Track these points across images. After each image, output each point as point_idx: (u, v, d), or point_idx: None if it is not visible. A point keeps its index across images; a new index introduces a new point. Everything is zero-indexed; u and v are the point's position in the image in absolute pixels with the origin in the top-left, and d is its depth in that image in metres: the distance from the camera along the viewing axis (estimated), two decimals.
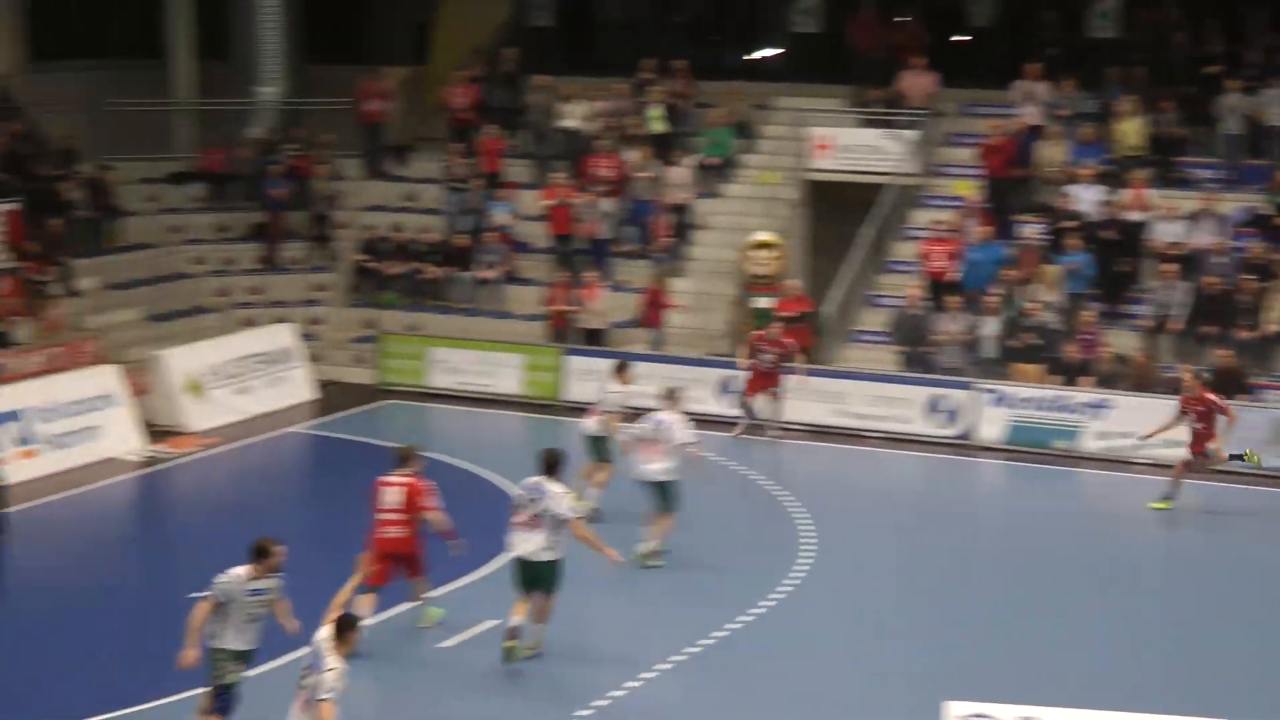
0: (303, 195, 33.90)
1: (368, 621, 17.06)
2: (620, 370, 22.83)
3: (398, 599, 18.87)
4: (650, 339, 29.93)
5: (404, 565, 18.22)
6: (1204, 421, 23.27)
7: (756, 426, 27.29)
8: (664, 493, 20.71)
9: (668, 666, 17.71)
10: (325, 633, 13.22)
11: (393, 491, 17.93)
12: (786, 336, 27.39)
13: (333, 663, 13.01)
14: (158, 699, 16.12)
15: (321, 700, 12.87)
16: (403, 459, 18.23)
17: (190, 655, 14.49)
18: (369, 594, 17.64)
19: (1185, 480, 23.45)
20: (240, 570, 14.83)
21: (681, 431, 20.62)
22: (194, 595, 14.84)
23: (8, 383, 26.13)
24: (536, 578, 17.26)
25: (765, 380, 27.26)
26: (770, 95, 34.10)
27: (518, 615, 17.31)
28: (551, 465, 17.47)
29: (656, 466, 20.62)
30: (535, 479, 17.36)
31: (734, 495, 24.16)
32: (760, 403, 27.37)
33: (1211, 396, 23.34)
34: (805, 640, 18.93)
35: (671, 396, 21.13)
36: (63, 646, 18.22)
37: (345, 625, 13.28)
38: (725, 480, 24.86)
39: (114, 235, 32.30)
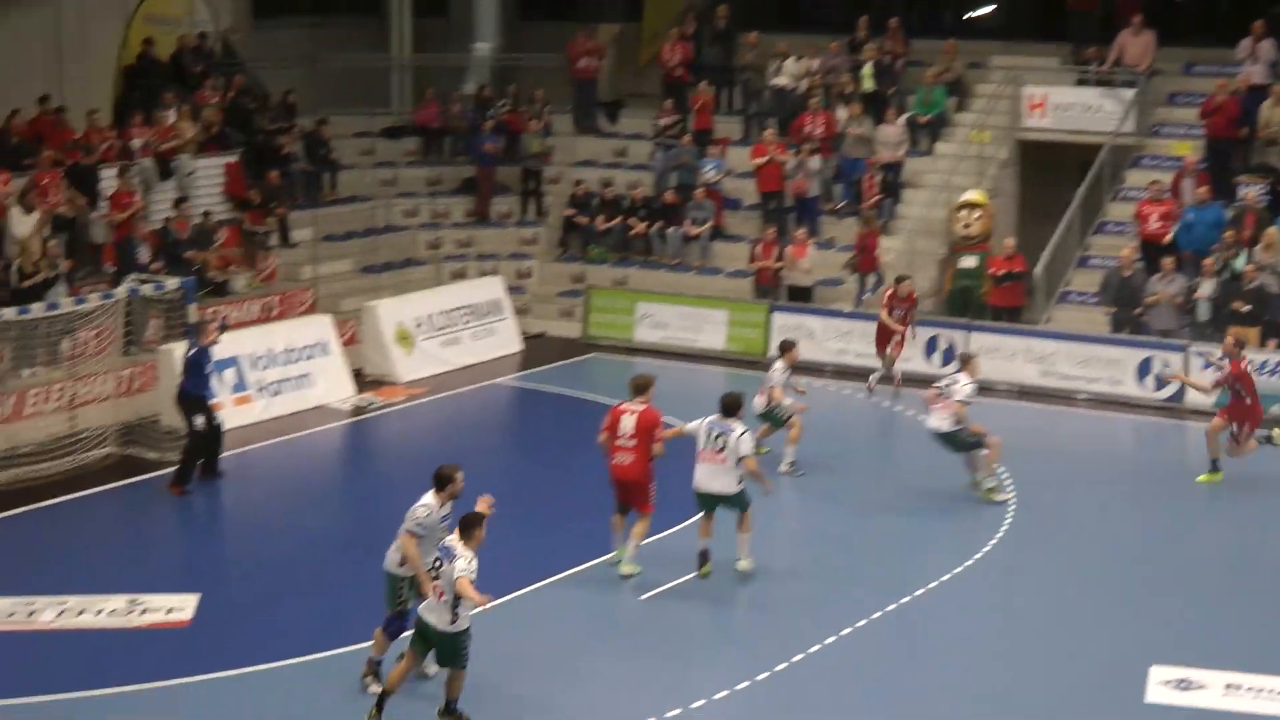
0: (514, 150, 34.22)
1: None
2: (785, 350, 23.19)
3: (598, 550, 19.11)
4: (864, 285, 29.80)
5: (632, 495, 18.65)
6: (1236, 393, 22.61)
7: (887, 378, 27.17)
8: (953, 442, 21.63)
9: (878, 615, 17.80)
10: (454, 535, 14.56)
11: (628, 419, 18.52)
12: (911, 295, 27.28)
13: (462, 552, 14.41)
14: (356, 643, 16.43)
15: (459, 577, 14.30)
16: (639, 388, 18.82)
17: (428, 587, 14.92)
18: (618, 515, 18.80)
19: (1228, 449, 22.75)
20: (431, 500, 15.47)
21: (963, 389, 21.47)
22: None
23: (225, 330, 26.78)
24: (729, 506, 18.63)
25: (891, 334, 27.13)
26: (985, 53, 33.63)
27: (704, 538, 18.67)
28: (733, 407, 18.61)
29: (943, 419, 21.55)
30: (719, 418, 18.49)
31: (934, 451, 23.93)
32: (889, 356, 27.27)
33: (1238, 368, 22.59)
34: (1006, 598, 18.79)
35: (967, 360, 22.12)
36: (270, 589, 18.70)
37: (470, 522, 14.64)
38: (922, 438, 24.70)
39: (330, 188, 32.92)
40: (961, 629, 17.85)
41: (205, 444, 22.25)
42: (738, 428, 18.46)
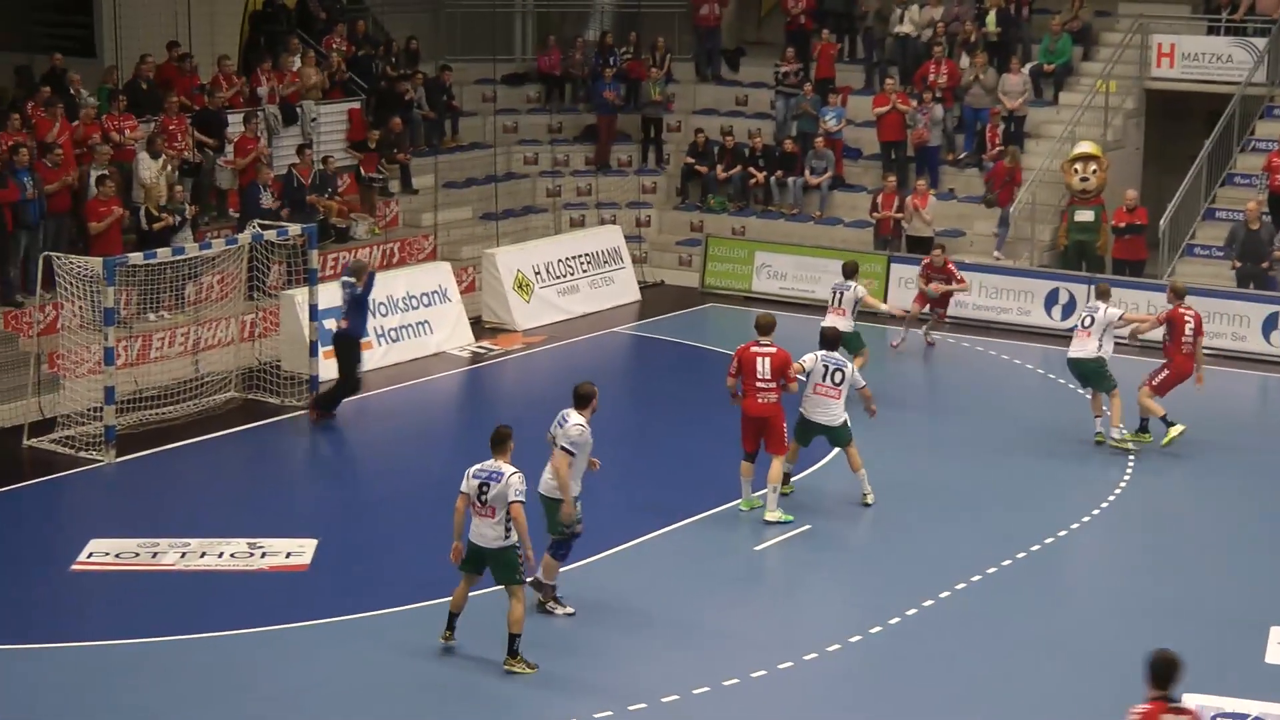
0: (634, 98, 34.19)
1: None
2: (850, 273, 24.11)
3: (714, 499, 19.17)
4: (1000, 218, 29.66)
5: (770, 435, 18.91)
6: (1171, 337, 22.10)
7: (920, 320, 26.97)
8: (1093, 371, 21.89)
9: (993, 570, 17.76)
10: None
11: (762, 360, 18.83)
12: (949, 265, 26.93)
13: (576, 419, 16.22)
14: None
15: (561, 449, 16.06)
16: (765, 328, 19.17)
17: (567, 509, 16.06)
18: (747, 463, 19.01)
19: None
20: (582, 419, 16.32)
21: (1105, 315, 21.90)
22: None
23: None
24: (835, 438, 19.41)
25: (932, 303, 26.82)
26: (1113, 1, 33.13)
27: (791, 462, 19.49)
28: (835, 340, 19.69)
29: (1086, 349, 21.82)
30: (827, 353, 19.23)
31: (1054, 404, 23.77)
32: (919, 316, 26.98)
33: (1172, 314, 22.05)
34: (1124, 554, 18.66)
35: (1105, 291, 22.58)
36: (388, 534, 18.91)
37: (584, 394, 16.56)
38: (1048, 390, 24.55)
39: (451, 135, 33.06)
40: (1075, 584, 17.76)
41: (351, 386, 22.70)
42: (847, 360, 19.64)
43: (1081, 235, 28.98)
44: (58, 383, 22.53)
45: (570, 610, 16.54)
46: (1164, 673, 11.08)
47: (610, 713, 14.54)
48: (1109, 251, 28.69)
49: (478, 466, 15.33)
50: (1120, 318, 22.12)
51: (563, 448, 16.22)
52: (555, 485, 16.25)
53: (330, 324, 23.55)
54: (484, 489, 15.19)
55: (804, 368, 19.16)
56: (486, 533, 15.24)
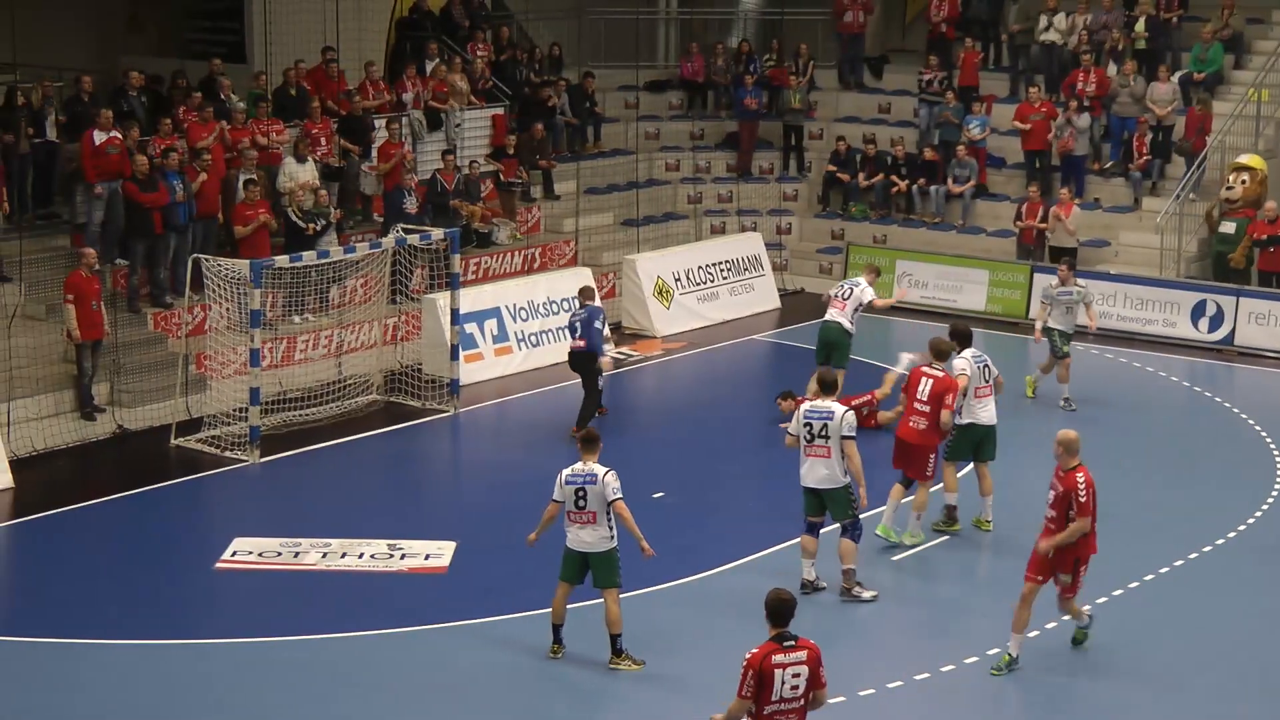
0: (776, 105, 34.13)
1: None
2: (870, 273, 24.26)
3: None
4: (1195, 161, 29.66)
5: (913, 461, 18.53)
6: None
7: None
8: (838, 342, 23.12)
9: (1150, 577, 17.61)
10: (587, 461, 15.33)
11: (926, 383, 18.54)
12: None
13: (840, 407, 16.72)
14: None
15: (845, 437, 16.52)
16: (941, 354, 18.67)
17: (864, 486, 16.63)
18: (900, 485, 18.73)
19: None
20: (839, 405, 16.76)
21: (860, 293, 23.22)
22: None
23: (488, 281, 27.27)
24: (988, 443, 19.07)
25: None
26: (1266, 8, 32.58)
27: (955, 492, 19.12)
28: (968, 337, 19.38)
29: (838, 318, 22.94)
30: (976, 352, 19.12)
31: (1198, 417, 23.45)
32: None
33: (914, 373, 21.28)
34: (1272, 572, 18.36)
35: (873, 268, 24.57)
36: (525, 538, 18.99)
37: (830, 380, 17.06)
38: (1193, 403, 24.25)
39: (594, 141, 33.19)
40: (1222, 600, 17.46)
41: (595, 401, 22.63)
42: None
43: (1222, 247, 28.55)
44: (205, 383, 22.89)
45: (873, 594, 16.86)
46: (778, 611, 11.55)
47: None
48: (1253, 264, 28.16)
49: (569, 472, 15.32)
50: (870, 302, 23.32)
51: (846, 436, 16.49)
52: (828, 476, 16.59)
53: (577, 341, 23.05)
54: (581, 494, 15.22)
55: (964, 383, 18.66)
56: (587, 538, 15.29)
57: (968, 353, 18.99)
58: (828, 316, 23.43)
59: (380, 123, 28.34)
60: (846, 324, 23.21)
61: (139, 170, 23.75)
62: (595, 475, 15.22)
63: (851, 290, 23.49)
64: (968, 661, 15.68)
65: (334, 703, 14.87)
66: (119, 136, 23.97)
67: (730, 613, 16.71)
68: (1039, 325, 23.82)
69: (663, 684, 15.21)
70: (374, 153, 28.01)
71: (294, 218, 25.04)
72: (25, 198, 24.44)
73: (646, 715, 14.80)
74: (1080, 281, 24.11)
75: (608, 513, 15.19)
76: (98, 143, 23.76)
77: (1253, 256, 28.18)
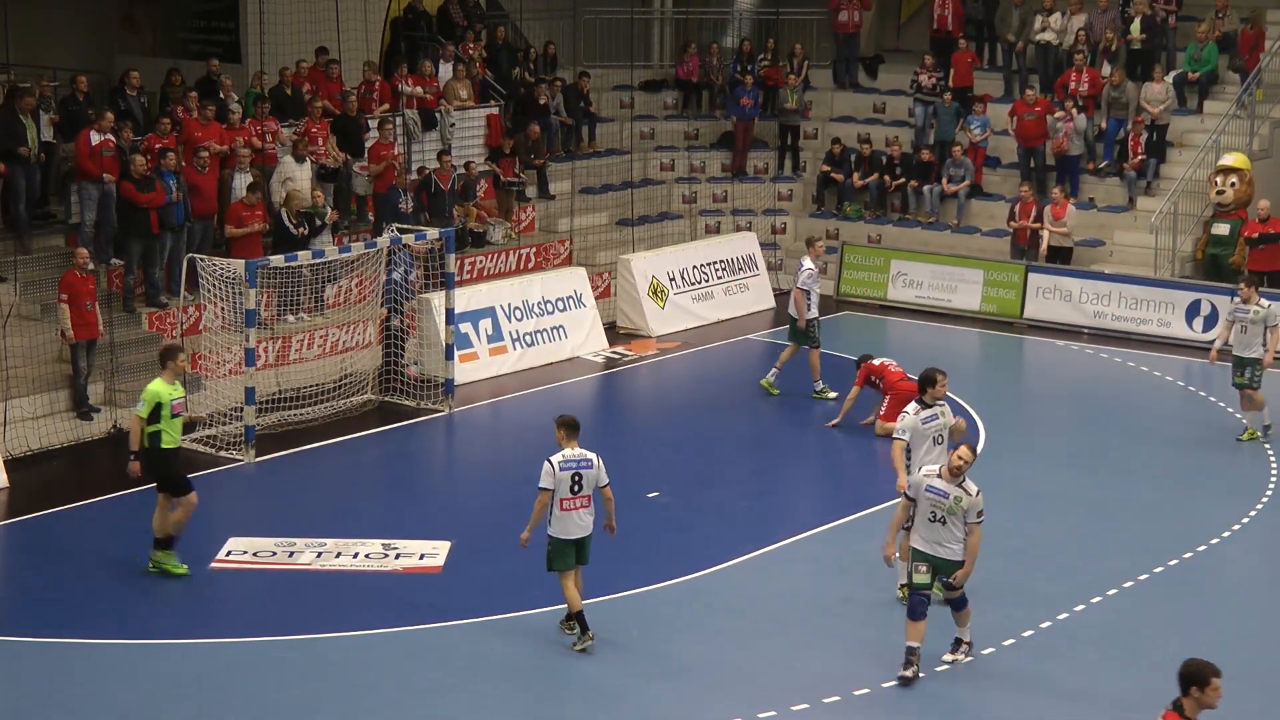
0: (772, 105, 34.15)
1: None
2: (810, 243, 24.38)
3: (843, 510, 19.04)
4: (1250, 76, 29.98)
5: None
6: None
7: None
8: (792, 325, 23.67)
9: (1144, 577, 17.64)
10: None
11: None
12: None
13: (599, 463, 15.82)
14: (604, 595, 16.68)
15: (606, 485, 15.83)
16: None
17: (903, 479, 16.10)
18: None
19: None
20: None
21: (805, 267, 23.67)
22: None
23: (483, 281, 27.27)
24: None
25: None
26: (1260, 8, 32.60)
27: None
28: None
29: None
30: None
31: (1194, 416, 23.47)
32: None
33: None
34: (1270, 569, 18.35)
35: (811, 240, 24.57)
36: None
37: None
38: (1188, 402, 24.27)
39: (588, 141, 33.20)
40: (1217, 599, 17.47)
41: None
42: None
43: (1216, 249, 28.60)
44: (200, 383, 22.89)
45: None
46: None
47: (774, 713, 14.56)
48: (1244, 265, 28.17)
49: (561, 458, 15.59)
50: (810, 274, 23.50)
51: (971, 522, 15.70)
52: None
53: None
54: (577, 479, 15.49)
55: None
56: (586, 520, 15.64)
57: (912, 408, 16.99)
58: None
59: (373, 124, 28.32)
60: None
61: (135, 170, 23.74)
62: (590, 460, 15.55)
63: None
64: (966, 661, 15.70)
65: (329, 702, 14.86)
66: (112, 139, 23.95)
67: (725, 612, 16.74)
68: (1217, 344, 22.89)
69: (658, 682, 15.21)
70: (365, 154, 27.95)
71: (286, 222, 24.99)
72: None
73: (645, 714, 14.78)
74: (1263, 301, 22.37)
75: (594, 496, 15.54)
76: (94, 143, 23.77)
77: (1244, 256, 28.22)
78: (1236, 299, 22.54)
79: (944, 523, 15.08)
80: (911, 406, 16.91)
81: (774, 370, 24.31)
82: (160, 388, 17.34)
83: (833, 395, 23.59)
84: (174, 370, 17.56)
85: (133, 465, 17.42)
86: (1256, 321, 21.97)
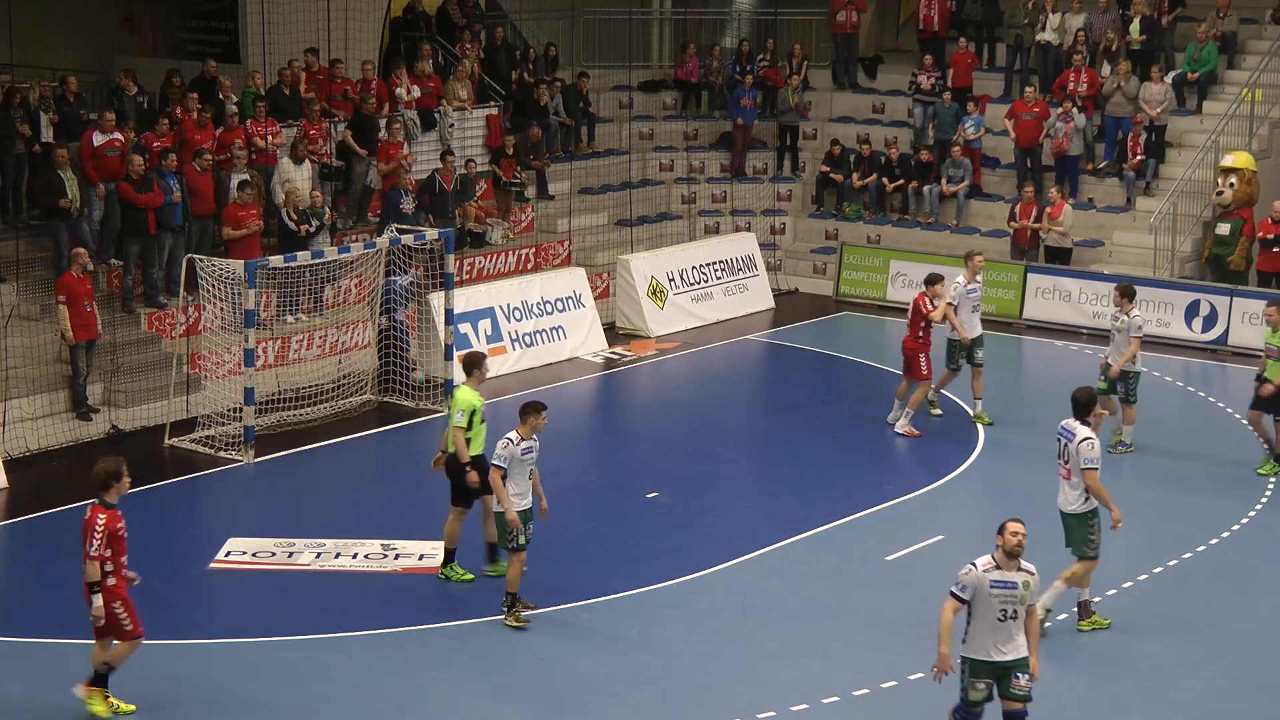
0: (771, 105, 34.15)
1: None
2: (969, 258, 23.78)
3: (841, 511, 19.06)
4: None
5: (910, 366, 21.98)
6: None
7: None
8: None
9: (1143, 577, 17.59)
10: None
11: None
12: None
13: (1085, 432, 15.86)
14: (600, 596, 16.66)
15: (1087, 469, 15.95)
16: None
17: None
18: None
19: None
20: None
21: None
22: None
23: (482, 281, 27.26)
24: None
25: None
26: (1260, 8, 32.62)
27: None
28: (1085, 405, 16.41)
29: None
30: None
31: (1194, 417, 23.46)
32: None
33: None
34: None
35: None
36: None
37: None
38: (1187, 403, 24.25)
39: (588, 141, 33.19)
40: (1215, 598, 17.48)
41: None
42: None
43: (1218, 249, 28.60)
44: (199, 383, 22.89)
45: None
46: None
47: (773, 713, 14.57)
48: (1253, 265, 28.18)
49: (523, 440, 16.30)
50: (956, 288, 23.08)
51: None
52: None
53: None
54: (529, 453, 16.32)
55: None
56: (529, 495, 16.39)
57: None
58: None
59: (383, 122, 28.30)
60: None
61: (134, 171, 23.73)
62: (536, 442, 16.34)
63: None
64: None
65: (328, 703, 14.87)
66: (120, 139, 23.97)
67: (725, 612, 16.74)
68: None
69: (658, 682, 15.21)
70: (377, 152, 27.91)
71: (287, 220, 24.99)
72: (20, 198, 24.44)
73: (645, 714, 14.78)
74: (1135, 311, 21.65)
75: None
76: (97, 144, 23.76)
77: (1251, 256, 28.21)
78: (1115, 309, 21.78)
79: (1016, 617, 12.78)
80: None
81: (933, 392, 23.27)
82: (472, 396, 17.28)
83: (938, 413, 23.25)
84: (478, 378, 17.50)
85: (471, 475, 17.18)
86: (1122, 330, 21.52)
